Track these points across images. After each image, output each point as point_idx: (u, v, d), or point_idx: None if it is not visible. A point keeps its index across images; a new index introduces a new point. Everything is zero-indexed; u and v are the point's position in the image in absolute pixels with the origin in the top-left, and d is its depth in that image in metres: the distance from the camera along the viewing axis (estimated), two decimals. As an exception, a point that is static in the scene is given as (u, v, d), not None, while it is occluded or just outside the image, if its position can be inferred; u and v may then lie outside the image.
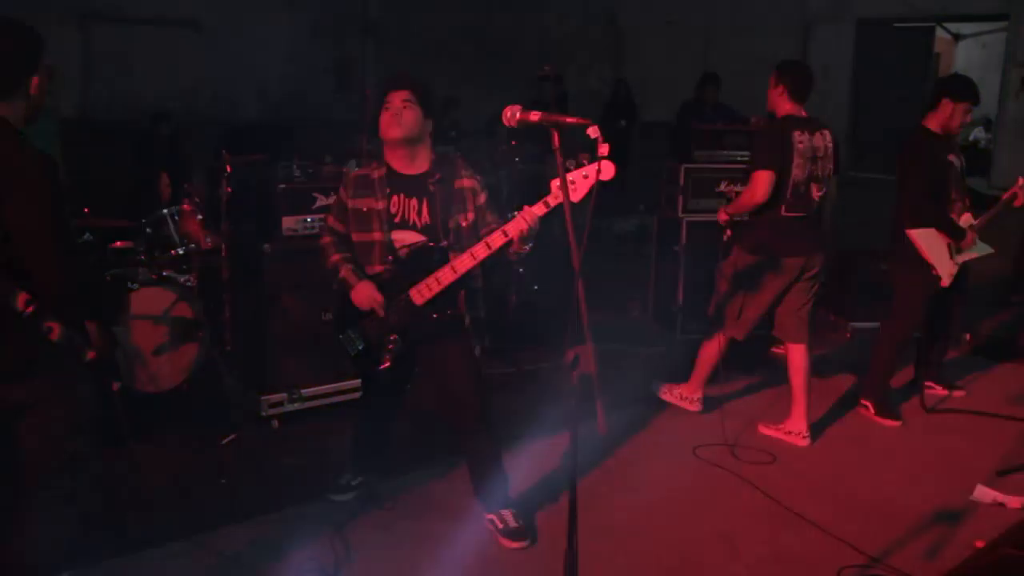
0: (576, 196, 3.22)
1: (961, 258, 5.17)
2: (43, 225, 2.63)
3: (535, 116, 2.56)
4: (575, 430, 2.54)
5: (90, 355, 2.81)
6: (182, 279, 5.39)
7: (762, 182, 4.72)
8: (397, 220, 3.71)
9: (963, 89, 5.13)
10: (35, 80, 2.76)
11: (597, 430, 2.48)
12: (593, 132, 2.41)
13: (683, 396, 5.33)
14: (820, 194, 4.83)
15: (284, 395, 4.93)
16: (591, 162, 3.22)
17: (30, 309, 2.64)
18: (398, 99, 3.62)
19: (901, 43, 16.43)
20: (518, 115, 2.60)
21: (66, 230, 2.72)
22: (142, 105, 10.58)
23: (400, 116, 3.61)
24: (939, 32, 17.52)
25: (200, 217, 5.47)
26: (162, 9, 15.28)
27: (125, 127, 10.66)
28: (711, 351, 5.15)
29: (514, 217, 3.45)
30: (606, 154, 2.44)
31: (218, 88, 15.64)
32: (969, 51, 19.77)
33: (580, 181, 3.24)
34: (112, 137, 9.97)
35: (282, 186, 4.87)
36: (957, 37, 19.91)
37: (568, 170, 3.18)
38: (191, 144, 9.20)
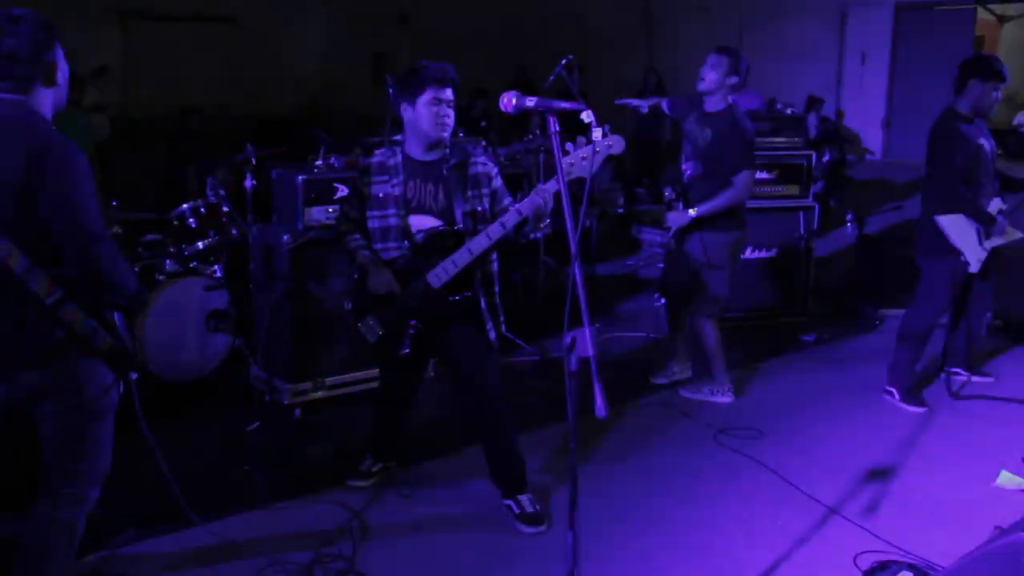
0: (586, 172, 3.22)
1: (990, 243, 5.08)
2: (74, 214, 2.68)
3: (531, 102, 2.57)
4: (575, 414, 2.56)
5: (110, 344, 2.88)
6: (209, 270, 5.47)
7: (748, 183, 5.01)
8: (414, 205, 3.75)
9: (989, 69, 5.05)
10: (43, 71, 2.78)
11: (595, 414, 2.48)
12: (587, 116, 2.43)
13: (712, 391, 5.31)
14: None
15: (308, 384, 4.99)
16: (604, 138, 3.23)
17: (54, 297, 2.71)
18: (447, 98, 3.65)
19: (941, 26, 16.14)
20: (515, 101, 2.62)
21: (96, 220, 2.77)
22: (181, 101, 10.72)
23: (448, 118, 3.65)
24: (981, 14, 17.18)
25: (226, 209, 5.55)
26: (201, 6, 15.45)
27: (164, 122, 10.82)
28: (715, 337, 5.22)
29: (528, 196, 3.48)
30: (600, 138, 2.45)
31: (255, 83, 15.79)
32: (1015, 32, 19.33)
33: (587, 158, 3.23)
34: (146, 131, 10.14)
35: (303, 177, 4.92)
36: (1002, 19, 19.50)
37: (568, 153, 3.19)
38: (227, 138, 9.32)
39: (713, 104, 5.06)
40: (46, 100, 2.81)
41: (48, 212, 2.67)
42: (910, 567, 3.40)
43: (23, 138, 2.68)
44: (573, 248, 2.42)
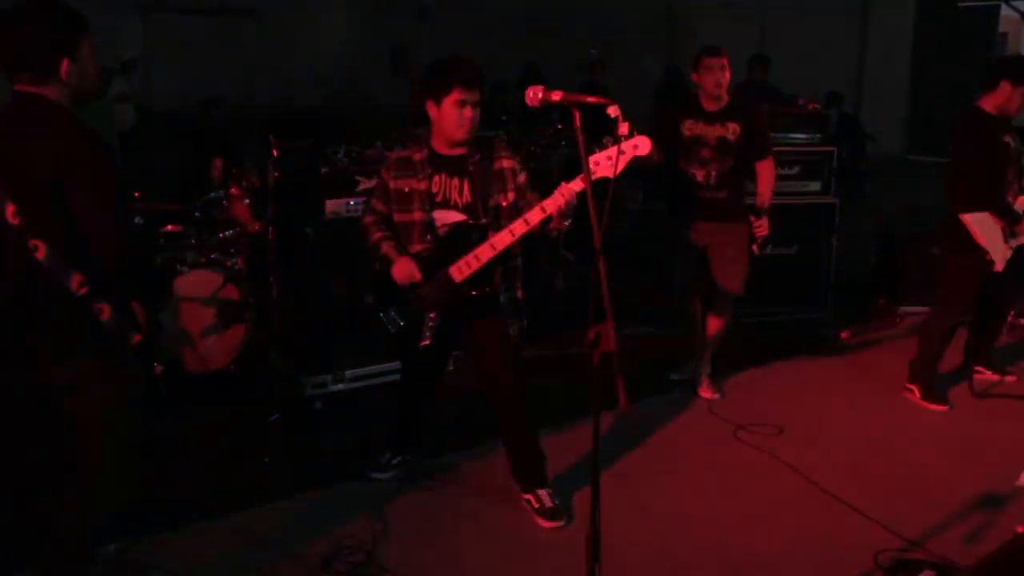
0: (611, 172, 3.21)
1: (1016, 242, 5.04)
2: (101, 207, 2.69)
3: (556, 96, 2.57)
4: (598, 409, 2.56)
5: (136, 338, 2.89)
6: (229, 262, 5.49)
7: None
8: (439, 199, 3.75)
9: (1019, 68, 5.01)
10: (65, 62, 2.76)
11: (619, 408, 2.48)
12: (613, 111, 2.42)
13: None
14: None
15: (328, 376, 5.01)
16: (615, 143, 3.23)
17: (84, 291, 2.73)
18: (472, 99, 3.62)
19: (964, 23, 16.02)
20: (540, 95, 2.61)
21: (123, 212, 2.79)
22: (202, 93, 10.76)
23: (472, 120, 3.63)
24: (1005, 11, 17.04)
25: (248, 201, 5.56)
26: (219, -1, 15.49)
27: (181, 114, 10.86)
28: None
29: (552, 194, 3.48)
30: (626, 133, 2.45)
31: (276, 75, 15.84)
32: (1038, 30, 19.20)
33: (612, 159, 3.23)
34: (168, 124, 10.19)
35: (325, 170, 4.93)
36: (1025, 16, 19.34)
37: (594, 152, 3.18)
38: (249, 130, 9.35)
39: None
40: (64, 93, 2.79)
41: (75, 206, 2.68)
42: (933, 566, 3.38)
43: (48, 132, 2.69)
44: (597, 244, 2.41)
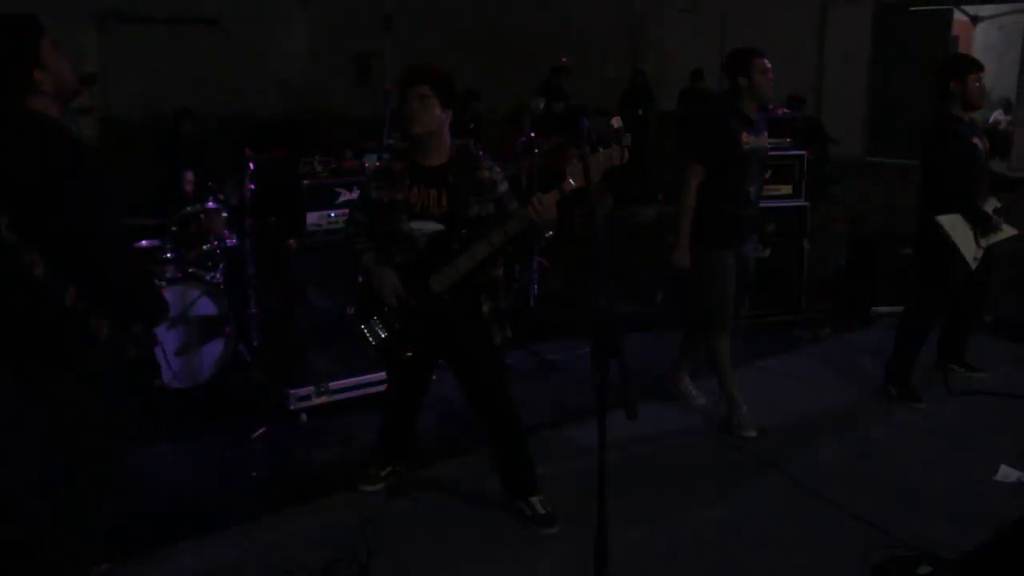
0: (587, 181, 3.24)
1: (986, 241, 5.16)
2: (99, 221, 2.64)
3: (559, 106, 2.59)
4: (603, 416, 2.58)
5: (133, 353, 2.84)
6: (208, 276, 5.46)
7: None
8: (418, 210, 3.76)
9: (960, 65, 5.18)
10: (35, 73, 2.68)
11: (626, 416, 2.50)
12: (616, 123, 2.45)
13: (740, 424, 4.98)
14: None
15: (311, 388, 4.99)
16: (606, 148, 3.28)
17: (80, 306, 2.66)
18: (415, 94, 3.64)
19: (919, 26, 16.30)
20: (542, 106, 2.64)
21: (120, 226, 2.74)
22: (163, 104, 10.62)
23: (419, 113, 3.63)
24: (956, 14, 17.36)
25: (225, 214, 5.53)
26: (180, 8, 15.32)
27: (147, 126, 10.72)
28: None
29: (530, 204, 3.50)
30: (630, 143, 2.47)
31: (238, 86, 15.68)
32: (987, 33, 19.54)
33: (588, 168, 3.26)
34: (135, 136, 10.07)
35: (306, 182, 4.92)
36: (975, 20, 19.72)
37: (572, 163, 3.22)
38: (212, 141, 9.27)
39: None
40: (49, 99, 2.72)
41: (72, 220, 2.63)
42: (928, 561, 3.44)
43: (42, 147, 2.63)
44: (599, 254, 2.43)
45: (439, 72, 3.72)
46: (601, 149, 3.27)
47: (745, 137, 4.63)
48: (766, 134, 4.82)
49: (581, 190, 3.32)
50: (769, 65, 4.65)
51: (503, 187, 3.80)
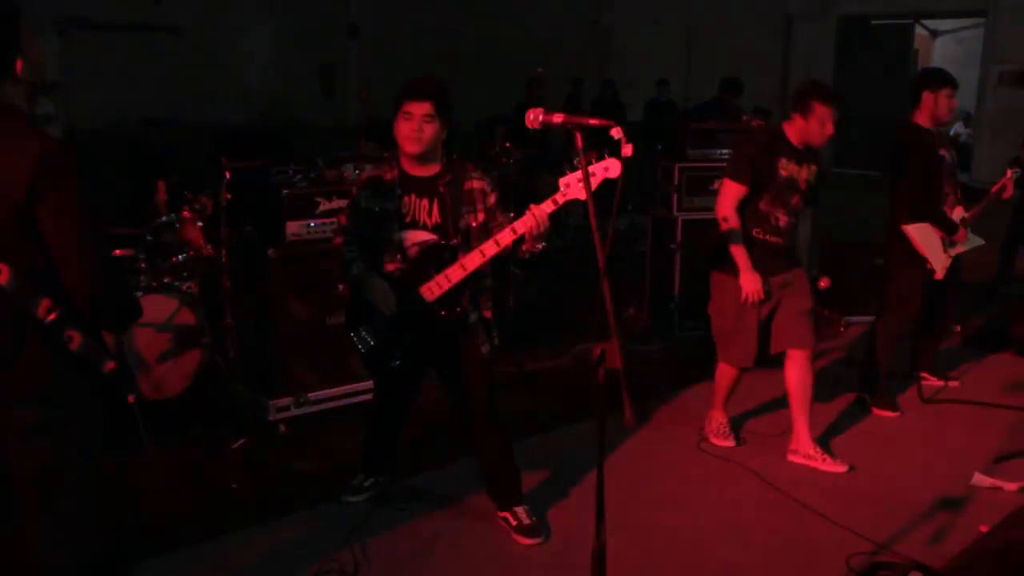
0: (584, 193, 3.26)
1: (954, 251, 5.27)
2: (79, 227, 2.47)
3: (558, 118, 2.61)
4: (603, 425, 2.60)
5: (109, 366, 2.71)
6: (183, 286, 5.39)
7: None
8: (408, 220, 3.75)
9: (936, 78, 5.29)
10: (19, 62, 2.53)
11: (624, 423, 2.52)
12: (616, 133, 2.47)
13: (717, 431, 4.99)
14: None
15: (290, 399, 4.96)
16: (599, 160, 3.30)
17: (52, 317, 2.48)
18: (420, 112, 3.59)
19: (881, 40, 16.61)
20: (541, 117, 2.65)
21: (99, 233, 2.61)
22: (126, 113, 10.51)
23: (421, 132, 3.60)
24: (917, 29, 17.71)
25: (200, 224, 5.48)
26: (141, 16, 15.16)
27: (109, 135, 10.60)
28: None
29: (524, 215, 3.51)
30: (630, 155, 2.50)
31: (201, 94, 15.55)
32: (946, 47, 19.99)
33: (582, 181, 3.28)
34: (98, 146, 9.93)
35: (286, 191, 4.89)
36: (935, 34, 20.14)
37: (573, 170, 3.24)
38: (180, 151, 9.18)
39: None
40: (23, 89, 2.55)
41: (49, 226, 2.48)
42: (918, 567, 3.49)
43: (25, 145, 2.42)
44: (601, 264, 2.45)
45: (443, 89, 3.68)
46: (595, 160, 3.31)
47: (783, 163, 4.55)
48: (813, 167, 4.66)
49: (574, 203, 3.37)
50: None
51: (493, 197, 3.80)
